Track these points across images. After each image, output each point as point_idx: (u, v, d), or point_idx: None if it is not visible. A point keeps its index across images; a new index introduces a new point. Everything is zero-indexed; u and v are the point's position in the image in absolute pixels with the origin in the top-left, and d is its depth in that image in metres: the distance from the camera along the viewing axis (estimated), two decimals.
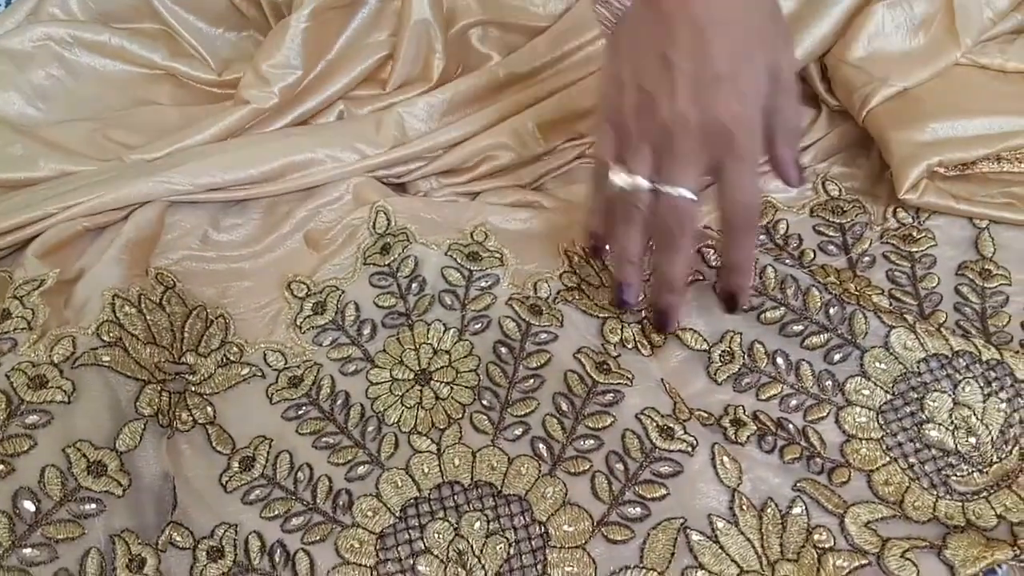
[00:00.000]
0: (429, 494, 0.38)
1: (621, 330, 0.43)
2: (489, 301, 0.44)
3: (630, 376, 0.41)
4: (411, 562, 0.36)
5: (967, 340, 0.41)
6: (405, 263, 0.45)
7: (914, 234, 0.47)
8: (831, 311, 0.42)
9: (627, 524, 0.36)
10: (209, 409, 0.41)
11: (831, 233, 0.48)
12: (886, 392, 0.40)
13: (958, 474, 0.38)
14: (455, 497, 0.38)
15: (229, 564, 0.37)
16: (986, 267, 0.46)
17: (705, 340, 0.43)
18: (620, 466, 0.38)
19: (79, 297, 0.42)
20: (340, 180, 0.50)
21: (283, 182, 0.49)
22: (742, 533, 0.36)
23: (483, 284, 0.44)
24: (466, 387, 0.41)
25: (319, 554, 0.37)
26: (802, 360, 0.41)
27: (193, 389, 0.42)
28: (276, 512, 0.38)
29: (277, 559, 0.37)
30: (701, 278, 0.44)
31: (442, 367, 0.42)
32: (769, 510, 0.37)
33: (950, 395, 0.40)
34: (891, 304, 0.44)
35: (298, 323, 0.45)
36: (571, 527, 0.37)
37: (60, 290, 0.43)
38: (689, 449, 0.38)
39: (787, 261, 0.45)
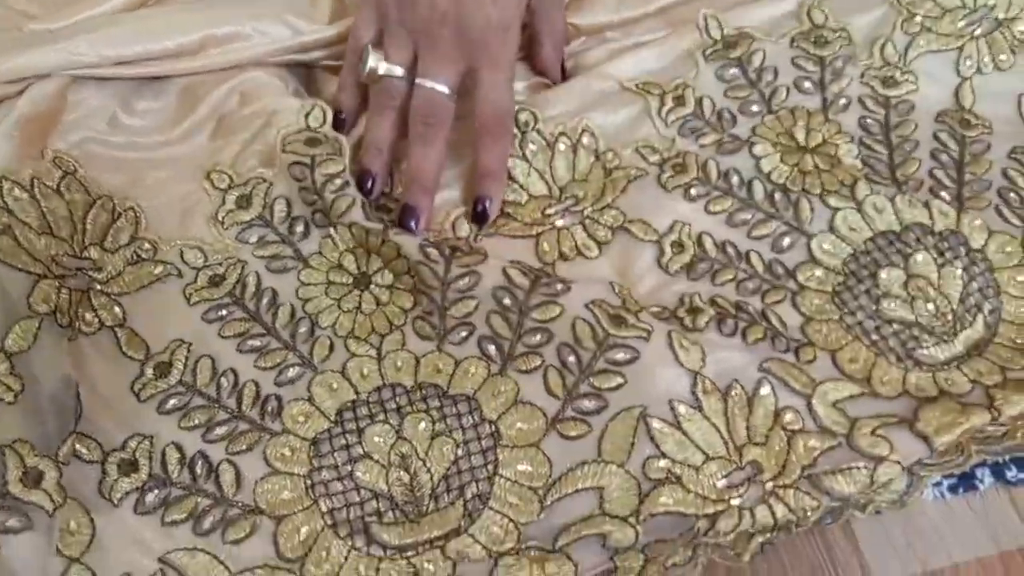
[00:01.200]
0: (368, 396, 0.35)
1: (558, 242, 0.40)
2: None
3: (572, 281, 0.38)
4: (348, 468, 0.33)
5: (923, 208, 0.40)
6: (328, 164, 0.40)
7: (896, 76, 0.44)
8: (776, 198, 0.40)
9: (583, 418, 0.34)
10: (117, 310, 0.37)
11: (810, 68, 0.45)
12: (837, 274, 0.38)
13: (924, 345, 0.36)
14: (397, 399, 0.35)
15: (143, 478, 0.33)
16: (965, 117, 0.43)
17: (654, 230, 0.40)
18: (572, 358, 0.35)
19: None
20: (268, 59, 0.44)
21: (203, 58, 0.43)
22: (706, 418, 0.33)
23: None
24: (404, 290, 0.37)
25: (246, 464, 0.33)
26: (751, 250, 0.39)
27: (99, 288, 0.37)
28: (196, 422, 0.34)
29: (199, 471, 0.33)
30: (641, 173, 0.41)
31: (379, 269, 0.38)
32: (734, 392, 0.34)
33: (902, 268, 0.38)
34: (859, 152, 0.42)
35: (219, 217, 0.40)
36: (524, 424, 0.34)
37: None
38: (645, 334, 0.35)
39: (728, 146, 0.42)
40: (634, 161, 0.42)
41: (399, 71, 0.40)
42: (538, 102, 0.44)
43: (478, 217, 0.40)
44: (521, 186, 0.41)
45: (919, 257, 0.38)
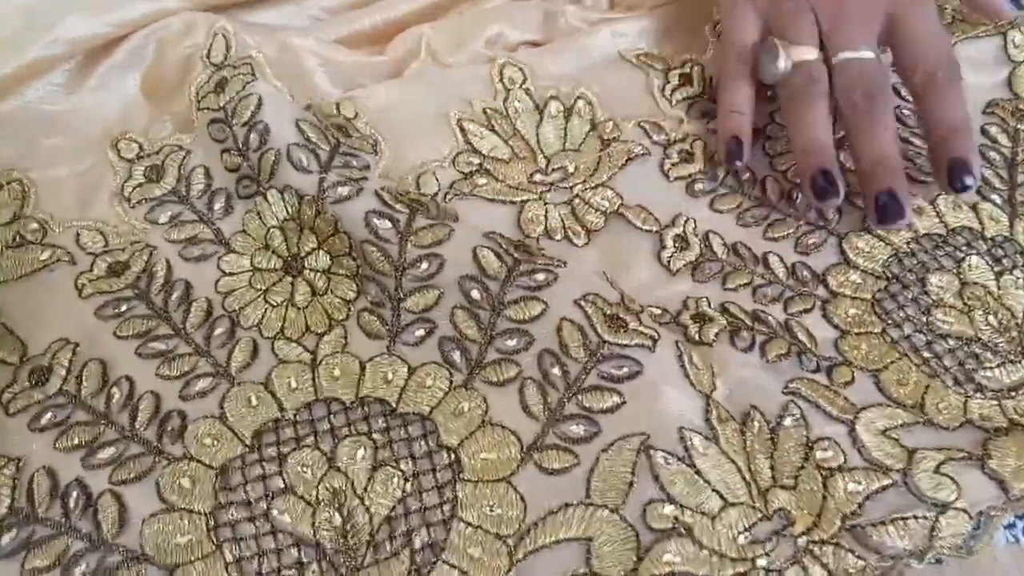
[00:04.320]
0: (296, 415, 0.27)
1: (545, 216, 0.33)
2: (356, 175, 0.32)
3: (562, 261, 0.31)
4: (264, 506, 0.26)
5: (970, 211, 0.34)
6: (244, 104, 0.33)
7: None
8: (795, 197, 0.34)
9: (568, 447, 0.27)
10: None
11: None
12: (878, 279, 0.32)
13: (986, 366, 0.29)
14: (331, 418, 0.27)
15: (2, 512, 0.25)
16: (1020, 106, 0.37)
17: (655, 219, 0.33)
18: (557, 369, 0.28)
19: None
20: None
21: None
22: (724, 452, 0.26)
23: (350, 161, 0.33)
24: (346, 276, 0.30)
25: (134, 497, 0.26)
26: (770, 252, 0.33)
27: None
28: (76, 441, 0.27)
29: (72, 505, 0.26)
30: (643, 151, 0.35)
31: (312, 249, 0.31)
32: (755, 423, 0.27)
33: (954, 273, 0.32)
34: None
35: (126, 194, 0.33)
36: (492, 454, 0.27)
37: None
38: (649, 343, 0.28)
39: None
40: (636, 136, 0.36)
41: (813, 53, 0.34)
42: (530, 59, 0.37)
43: (961, 174, 0.32)
44: (504, 140, 0.35)
45: (973, 261, 0.32)
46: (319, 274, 0.30)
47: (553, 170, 0.34)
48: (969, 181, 0.32)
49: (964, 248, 0.33)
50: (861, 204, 0.33)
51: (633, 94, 0.38)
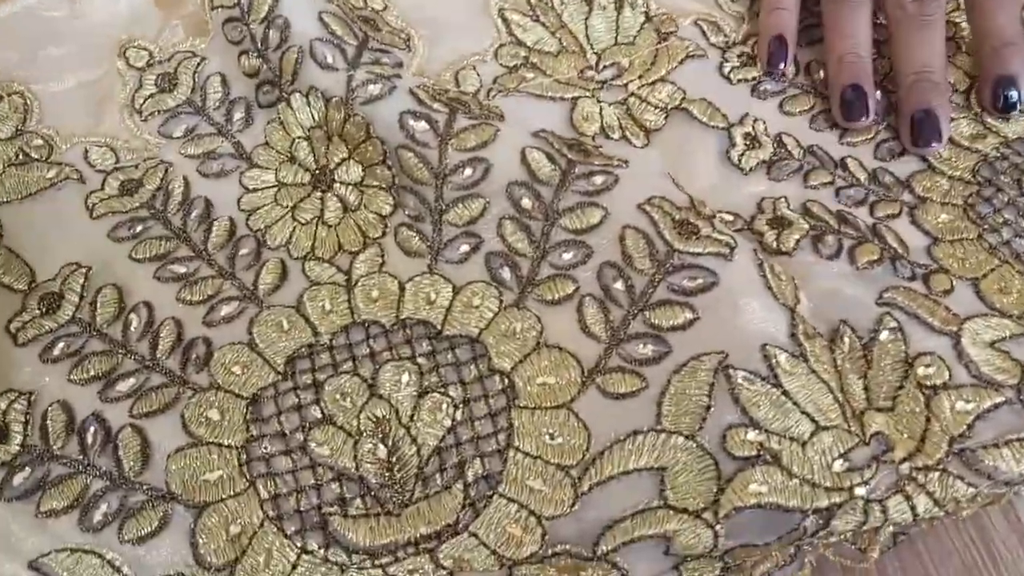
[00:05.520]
0: (331, 339, 0.25)
1: (600, 113, 0.30)
2: (389, 72, 0.29)
3: (622, 160, 0.27)
4: (301, 438, 0.23)
5: None
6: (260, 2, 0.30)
7: None
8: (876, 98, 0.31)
9: (635, 369, 0.24)
10: None
11: None
12: (968, 183, 0.28)
13: None
14: (371, 342, 0.25)
15: (14, 451, 0.23)
16: None
17: (722, 115, 0.30)
18: (620, 284, 0.25)
19: None
20: None
21: None
22: (813, 371, 0.23)
23: (380, 58, 0.29)
24: (380, 188, 0.27)
25: (157, 431, 0.23)
26: (849, 156, 0.29)
27: None
28: (93, 373, 0.25)
29: (91, 441, 0.23)
30: (701, 53, 0.31)
31: (343, 160, 0.28)
32: (845, 339, 0.24)
33: None
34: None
35: (137, 106, 0.30)
36: (551, 378, 0.24)
37: None
38: (727, 250, 0.25)
39: (813, 34, 0.32)
40: (693, 36, 0.32)
41: None
42: None
43: (1003, 103, 0.30)
44: (551, 32, 0.31)
45: None
46: (351, 187, 0.28)
47: (605, 67, 0.31)
48: (1014, 97, 0.29)
49: None
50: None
51: None
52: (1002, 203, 0.28)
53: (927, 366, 0.24)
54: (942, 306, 0.25)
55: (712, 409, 0.23)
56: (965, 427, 0.23)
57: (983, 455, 0.23)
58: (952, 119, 0.30)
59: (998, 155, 0.29)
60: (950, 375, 0.24)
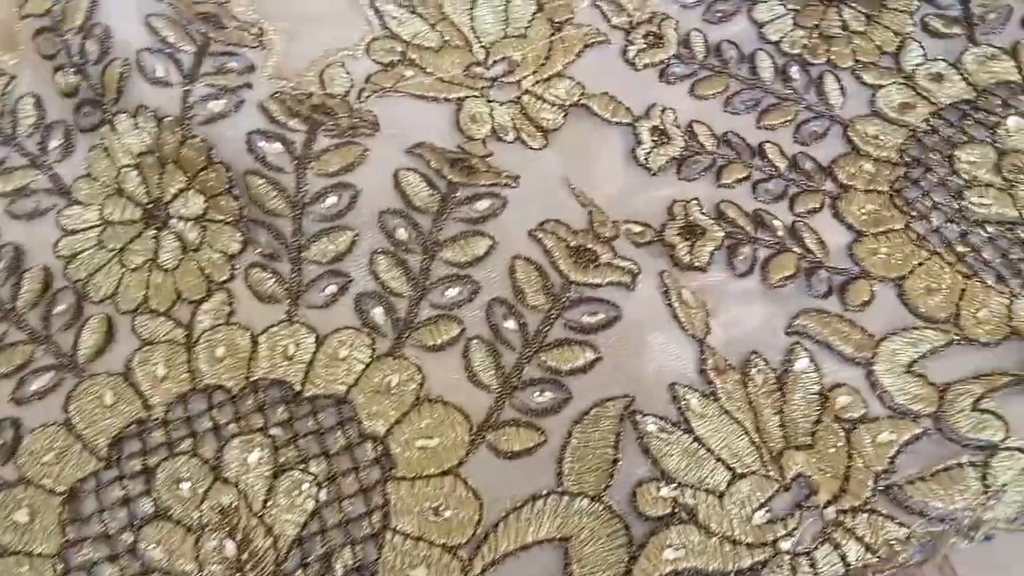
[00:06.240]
0: (166, 412, 0.21)
1: (491, 114, 0.26)
2: (235, 82, 0.25)
3: (511, 177, 0.24)
4: (129, 539, 0.19)
5: (1008, 58, 0.28)
6: (75, 2, 0.25)
7: None
8: (792, 73, 0.29)
9: (532, 421, 0.21)
10: None
11: None
12: (895, 165, 0.26)
13: None
14: (214, 413, 0.21)
15: None
16: None
17: (626, 109, 0.27)
18: (511, 323, 0.22)
19: None
20: None
21: None
22: (726, 411, 0.21)
23: (226, 64, 0.26)
24: (226, 222, 0.23)
25: None
26: (766, 141, 0.27)
27: None
28: None
29: None
30: (602, 38, 0.29)
31: (180, 191, 0.24)
32: (756, 371, 0.22)
33: (989, 142, 0.27)
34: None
35: None
36: (432, 439, 0.21)
37: None
38: (628, 279, 0.22)
39: (719, 7, 0.30)
40: (592, 19, 0.29)
41: None
42: None
43: None
44: (431, 25, 0.28)
45: (1011, 123, 0.27)
46: (190, 223, 0.23)
47: (495, 62, 0.28)
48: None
49: (1000, 109, 0.27)
50: (868, 80, 0.28)
51: None
52: (931, 184, 0.26)
53: (843, 397, 0.22)
54: (857, 328, 0.23)
55: (620, 463, 0.20)
56: (888, 461, 0.21)
57: (911, 491, 0.21)
58: (881, 85, 0.28)
59: (928, 128, 0.28)
60: (866, 408, 0.22)
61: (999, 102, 0.27)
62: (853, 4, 0.30)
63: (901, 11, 0.30)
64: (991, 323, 0.24)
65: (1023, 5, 0.29)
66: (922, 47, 0.29)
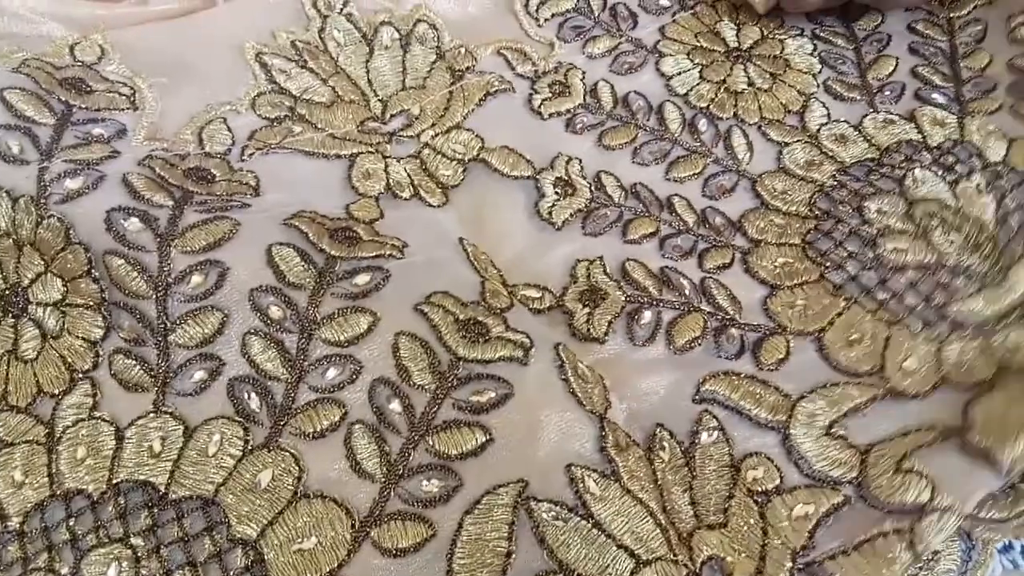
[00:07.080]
0: (22, 524, 0.19)
1: (386, 171, 0.25)
2: (97, 154, 0.23)
3: (397, 244, 0.23)
4: None
5: (906, 122, 0.28)
6: None
7: None
8: (700, 127, 0.28)
9: (420, 513, 0.19)
10: None
11: None
12: (804, 219, 0.26)
13: (957, 296, 0.23)
14: (72, 522, 0.19)
15: None
16: None
17: (528, 162, 0.26)
18: (396, 404, 0.20)
19: None
20: None
21: None
22: (628, 491, 0.19)
23: (90, 132, 0.24)
24: (87, 307, 0.21)
25: None
26: (675, 195, 0.26)
27: None
28: None
29: None
30: (505, 86, 0.28)
31: (38, 275, 0.22)
32: (664, 445, 0.21)
33: (897, 193, 0.26)
34: (815, 48, 0.30)
35: None
36: (310, 540, 0.19)
37: None
38: (520, 354, 0.21)
39: (627, 59, 0.29)
40: (496, 67, 0.28)
41: None
42: None
43: None
44: (322, 80, 0.26)
45: (917, 174, 0.26)
46: (49, 309, 0.21)
47: (392, 116, 0.26)
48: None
49: (903, 164, 0.27)
50: (774, 136, 0.27)
51: (490, 13, 0.30)
52: (843, 234, 0.25)
53: (754, 468, 0.21)
54: (771, 387, 0.22)
55: (514, 556, 0.19)
56: (807, 536, 0.20)
57: (833, 567, 0.19)
58: (787, 143, 0.27)
59: (835, 183, 0.27)
60: (781, 477, 0.20)
61: (902, 158, 0.27)
62: (758, 63, 0.29)
63: (804, 72, 0.29)
64: (919, 373, 0.22)
65: (916, 81, 0.29)
66: (826, 107, 0.28)
